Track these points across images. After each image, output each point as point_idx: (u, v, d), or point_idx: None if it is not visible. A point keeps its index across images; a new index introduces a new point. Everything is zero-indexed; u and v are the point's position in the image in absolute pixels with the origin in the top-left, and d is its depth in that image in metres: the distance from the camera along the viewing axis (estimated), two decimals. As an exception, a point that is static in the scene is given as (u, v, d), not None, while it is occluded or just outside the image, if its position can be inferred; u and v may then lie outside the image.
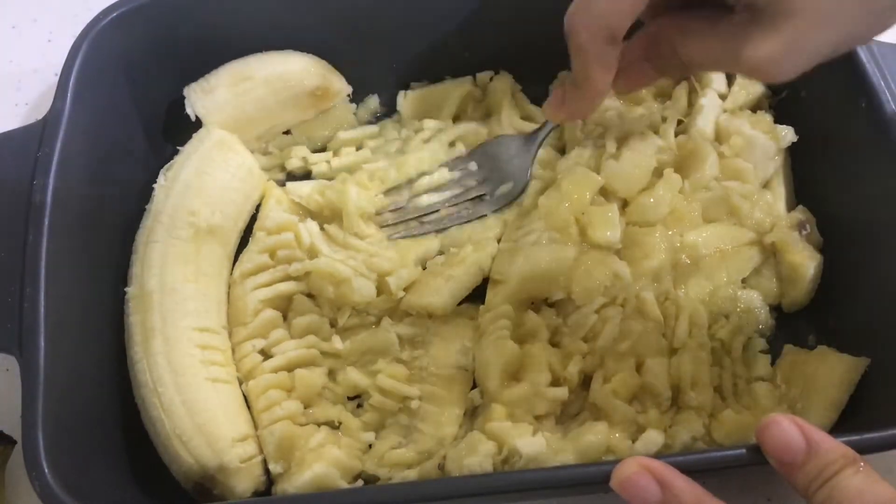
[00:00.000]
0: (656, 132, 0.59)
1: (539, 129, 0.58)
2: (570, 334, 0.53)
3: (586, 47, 0.43)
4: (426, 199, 0.59)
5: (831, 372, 0.51)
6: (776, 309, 0.57)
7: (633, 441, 0.48)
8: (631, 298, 0.54)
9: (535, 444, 0.47)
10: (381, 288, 0.55)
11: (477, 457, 0.48)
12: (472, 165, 0.60)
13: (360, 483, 0.51)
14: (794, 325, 0.56)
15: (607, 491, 0.41)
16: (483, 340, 0.53)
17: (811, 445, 0.40)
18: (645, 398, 0.51)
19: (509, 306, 0.54)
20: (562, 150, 0.62)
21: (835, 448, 0.40)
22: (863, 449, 0.41)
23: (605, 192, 0.56)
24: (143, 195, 0.60)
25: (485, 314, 0.54)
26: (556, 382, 0.51)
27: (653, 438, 0.48)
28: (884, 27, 0.41)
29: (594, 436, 0.48)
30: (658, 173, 0.57)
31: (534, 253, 0.54)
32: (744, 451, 0.42)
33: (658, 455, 0.44)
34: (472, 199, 0.59)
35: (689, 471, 0.41)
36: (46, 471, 0.43)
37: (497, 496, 0.46)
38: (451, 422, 0.52)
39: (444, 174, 0.60)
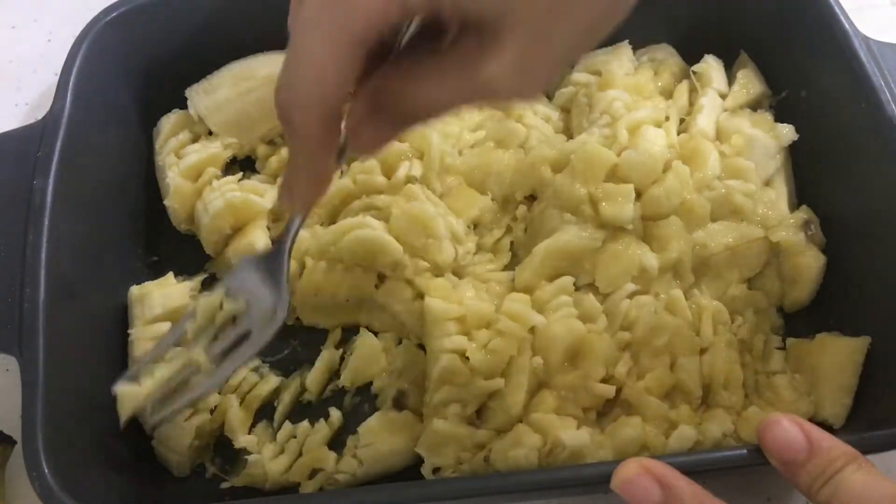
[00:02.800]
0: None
1: (281, 238, 0.47)
2: (609, 323, 0.53)
3: (304, 130, 0.36)
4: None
5: (834, 357, 0.51)
6: (778, 309, 0.57)
7: (666, 437, 0.48)
8: (661, 295, 0.54)
9: (579, 437, 0.47)
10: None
11: (522, 449, 0.47)
12: (224, 304, 0.48)
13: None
14: (794, 325, 0.56)
15: (607, 491, 0.41)
16: (549, 316, 0.52)
17: (812, 444, 0.40)
18: (675, 396, 0.51)
19: (570, 279, 0.53)
20: (569, 137, 0.62)
21: (836, 446, 0.40)
22: (864, 449, 0.41)
23: (617, 182, 0.56)
24: (144, 195, 0.60)
25: (543, 287, 0.54)
26: (604, 379, 0.51)
27: (686, 434, 0.48)
28: (621, 14, 0.36)
29: (631, 430, 0.48)
30: (665, 168, 0.56)
31: (559, 229, 0.55)
32: (745, 451, 0.42)
33: (670, 454, 0.45)
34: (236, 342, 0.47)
35: (690, 471, 0.41)
36: (46, 471, 0.43)
37: (496, 497, 0.46)
38: (515, 392, 0.50)
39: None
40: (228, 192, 0.57)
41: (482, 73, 0.34)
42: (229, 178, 0.59)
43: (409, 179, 0.58)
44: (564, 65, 0.37)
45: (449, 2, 0.33)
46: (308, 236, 0.57)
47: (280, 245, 0.46)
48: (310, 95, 0.35)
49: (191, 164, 0.59)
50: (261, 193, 0.59)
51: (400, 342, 0.56)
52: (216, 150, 0.60)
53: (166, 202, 0.59)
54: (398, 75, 0.37)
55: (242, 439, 0.52)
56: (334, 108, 0.36)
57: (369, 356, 0.55)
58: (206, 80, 0.60)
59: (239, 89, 0.59)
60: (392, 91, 0.37)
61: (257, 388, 0.55)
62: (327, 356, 0.56)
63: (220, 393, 0.54)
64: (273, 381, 0.55)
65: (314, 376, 0.55)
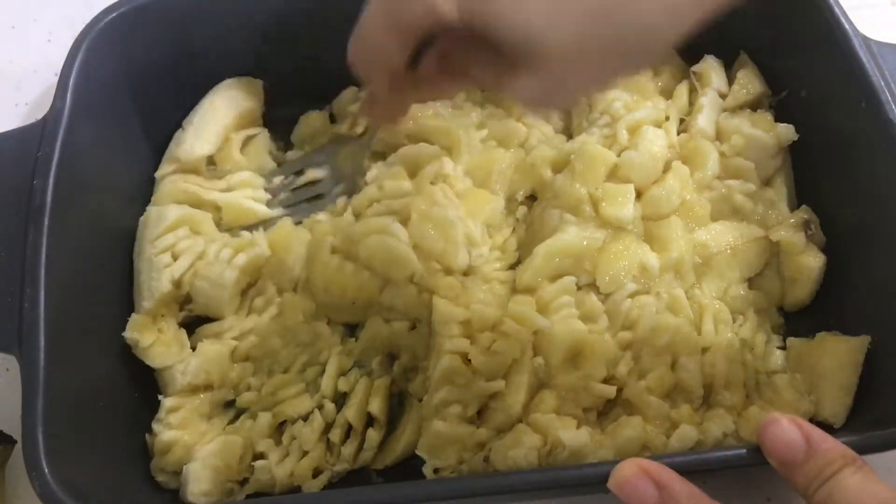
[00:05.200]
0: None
1: (366, 135, 0.58)
2: (611, 323, 0.53)
3: (370, 78, 0.45)
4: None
5: (834, 356, 0.51)
6: (778, 309, 0.57)
7: (667, 437, 0.48)
8: (662, 295, 0.54)
9: (579, 437, 0.47)
10: None
11: (522, 449, 0.47)
12: (319, 162, 0.62)
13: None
14: (794, 325, 0.56)
15: (607, 491, 0.41)
16: (550, 317, 0.52)
17: (811, 445, 0.40)
18: (676, 395, 0.51)
19: (572, 279, 0.54)
20: (569, 137, 0.62)
21: (834, 448, 0.40)
22: (864, 448, 0.41)
23: (618, 182, 0.56)
24: (144, 195, 0.60)
25: (545, 288, 0.54)
26: (606, 379, 0.51)
27: (687, 434, 0.48)
28: (637, 68, 0.46)
29: (632, 430, 0.48)
30: (665, 169, 0.57)
31: (560, 229, 0.55)
32: (744, 451, 0.42)
33: (671, 454, 0.44)
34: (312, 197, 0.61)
35: (689, 471, 0.41)
36: (46, 471, 0.43)
37: (496, 497, 0.46)
38: (516, 392, 0.51)
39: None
40: (230, 259, 0.56)
41: (512, 82, 0.40)
42: (216, 244, 0.57)
43: (438, 177, 0.57)
44: (589, 94, 0.47)
45: (486, 29, 0.38)
46: (332, 227, 0.57)
47: (365, 141, 0.58)
48: (374, 55, 0.43)
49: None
50: (255, 209, 0.60)
51: (413, 327, 0.55)
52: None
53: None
54: (460, 48, 0.44)
55: (263, 443, 0.52)
56: (396, 69, 0.43)
57: (376, 335, 0.55)
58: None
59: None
60: (454, 57, 0.45)
61: (289, 405, 0.54)
62: (336, 360, 0.55)
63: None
64: (307, 403, 0.54)
65: (327, 381, 0.54)
